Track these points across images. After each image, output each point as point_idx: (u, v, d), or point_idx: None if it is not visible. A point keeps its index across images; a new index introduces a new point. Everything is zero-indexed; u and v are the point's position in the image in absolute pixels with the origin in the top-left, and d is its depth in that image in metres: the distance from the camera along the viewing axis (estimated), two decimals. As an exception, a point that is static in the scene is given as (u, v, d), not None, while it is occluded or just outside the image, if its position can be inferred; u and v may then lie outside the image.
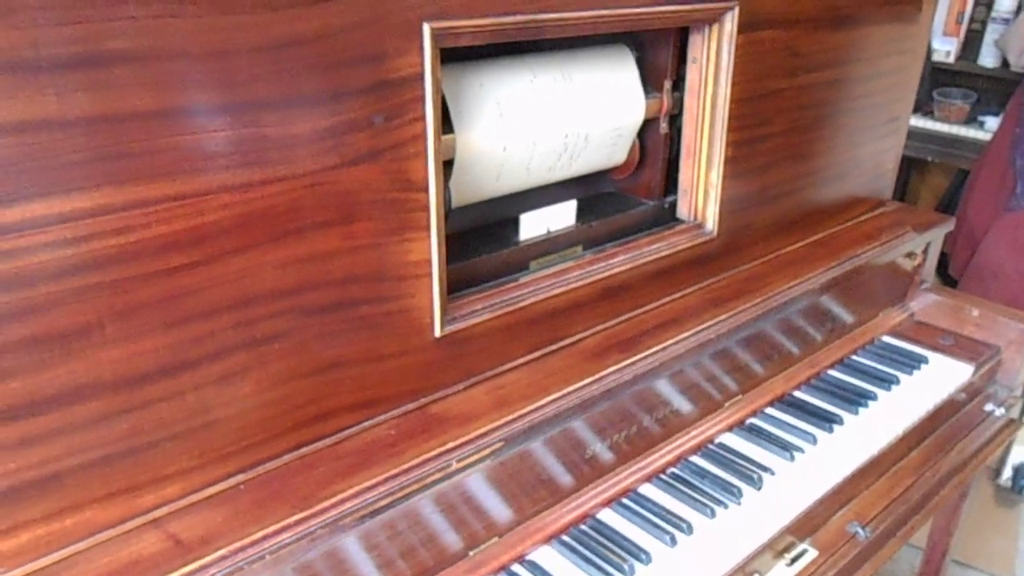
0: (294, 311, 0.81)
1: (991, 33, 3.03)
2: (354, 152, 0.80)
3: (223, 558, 0.74)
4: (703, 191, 1.26)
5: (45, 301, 0.66)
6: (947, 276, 3.02)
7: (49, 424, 0.69)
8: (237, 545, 0.75)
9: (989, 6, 3.08)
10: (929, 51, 3.07)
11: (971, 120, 3.06)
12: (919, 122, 3.09)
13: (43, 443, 0.69)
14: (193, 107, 0.69)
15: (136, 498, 0.76)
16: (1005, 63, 2.93)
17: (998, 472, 2.69)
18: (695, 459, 1.22)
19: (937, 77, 3.16)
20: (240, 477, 0.82)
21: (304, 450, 0.87)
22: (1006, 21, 2.95)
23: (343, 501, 0.81)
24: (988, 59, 3.08)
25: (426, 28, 0.82)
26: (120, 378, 0.72)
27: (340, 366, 0.87)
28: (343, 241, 0.83)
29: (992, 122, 2.94)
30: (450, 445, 0.90)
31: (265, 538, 0.76)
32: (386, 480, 0.84)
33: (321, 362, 0.85)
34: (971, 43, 3.17)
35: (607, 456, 1.13)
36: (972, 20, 3.16)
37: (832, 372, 1.47)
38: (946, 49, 3.16)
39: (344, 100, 0.78)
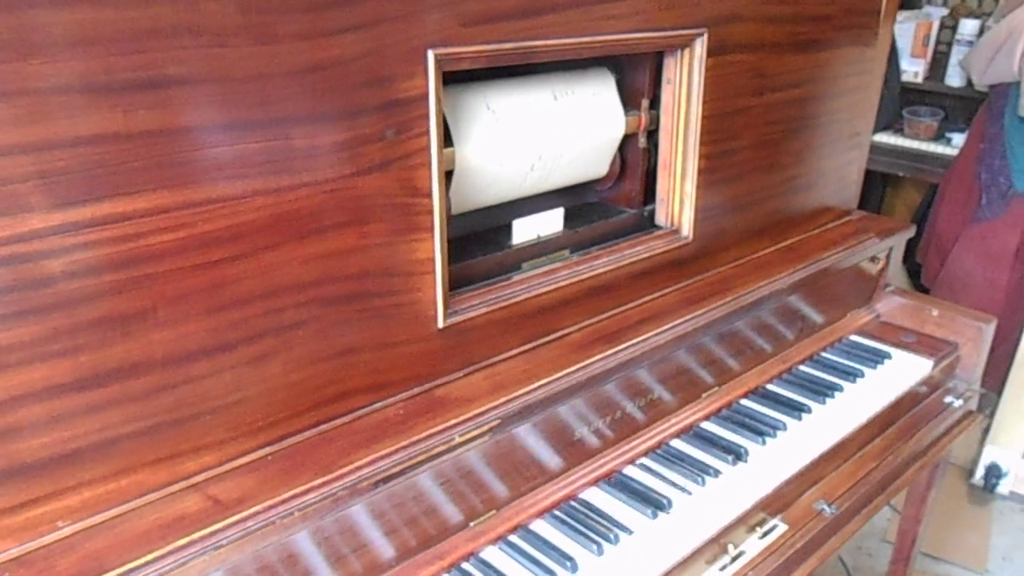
0: (315, 301, 0.93)
1: (956, 54, 3.19)
2: (368, 162, 0.92)
3: (257, 514, 0.84)
4: (679, 200, 1.38)
5: (109, 288, 0.77)
6: (920, 286, 3.16)
7: (109, 395, 0.80)
8: (268, 503, 0.86)
9: (954, 29, 3.25)
10: (899, 72, 3.23)
11: (939, 137, 3.21)
12: (890, 139, 3.24)
13: (104, 411, 0.80)
14: (234, 123, 0.80)
15: (180, 464, 0.87)
16: (970, 83, 3.08)
17: (971, 472, 2.81)
18: (675, 443, 1.33)
19: (907, 96, 3.31)
20: (268, 449, 0.93)
21: (324, 427, 0.97)
22: (969, 43, 3.11)
23: (359, 468, 0.92)
24: (954, 79, 3.24)
25: (430, 54, 0.94)
26: (168, 357, 0.83)
27: (355, 352, 0.98)
28: (358, 240, 0.94)
29: (958, 138, 3.09)
30: (452, 422, 1.01)
31: (293, 498, 0.87)
32: (397, 451, 0.95)
33: (338, 348, 0.96)
34: (938, 64, 3.33)
35: (594, 439, 1.24)
36: (938, 42, 3.32)
37: (802, 367, 1.58)
38: (914, 70, 3.32)
39: (360, 117, 0.90)
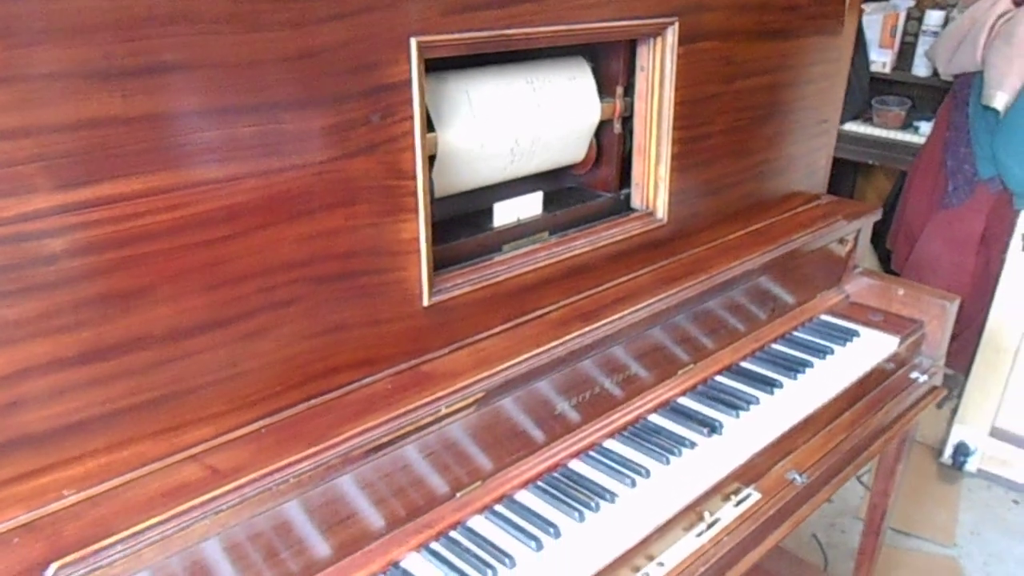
0: (306, 280, 0.97)
1: (922, 45, 3.27)
2: (355, 145, 0.96)
3: (253, 481, 0.88)
4: (653, 183, 1.43)
5: (109, 266, 0.80)
6: (891, 271, 3.24)
7: (111, 369, 0.83)
8: (265, 471, 0.90)
9: (920, 20, 3.33)
10: (868, 62, 3.31)
11: (907, 125, 3.29)
12: (860, 128, 3.32)
13: (106, 385, 0.83)
14: (229, 107, 0.84)
15: (179, 436, 0.90)
16: (936, 72, 3.16)
17: (940, 452, 2.90)
18: (652, 417, 1.38)
19: (875, 86, 3.39)
20: (263, 422, 0.97)
21: (315, 400, 1.01)
22: (935, 34, 3.19)
23: (351, 438, 0.96)
24: (921, 69, 3.33)
25: (413, 42, 0.98)
26: (167, 332, 0.86)
27: (344, 328, 1.02)
28: (346, 221, 0.98)
29: (926, 127, 3.17)
30: (439, 394, 1.05)
31: (288, 466, 0.91)
32: (387, 422, 0.99)
33: (329, 324, 1.00)
34: (905, 54, 3.41)
35: (575, 414, 1.29)
36: (905, 33, 3.40)
37: (774, 345, 1.64)
38: (882, 60, 3.40)
39: (346, 102, 0.94)
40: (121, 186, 0.79)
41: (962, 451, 2.82)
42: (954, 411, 2.90)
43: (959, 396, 2.89)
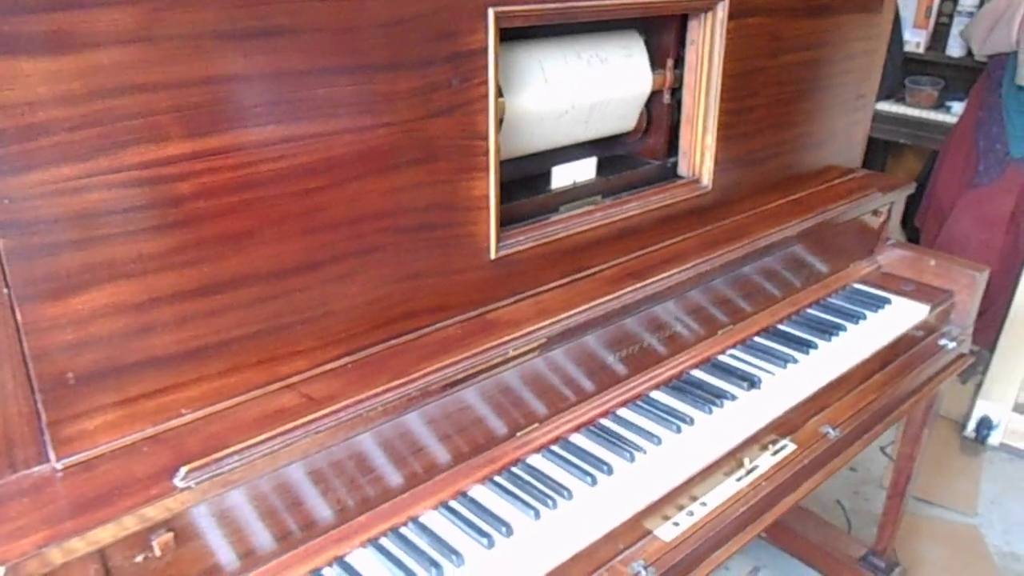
0: (390, 229, 1.06)
1: (957, 25, 3.30)
2: (437, 107, 1.05)
3: (346, 407, 0.98)
4: (700, 152, 1.51)
5: (226, 208, 0.90)
6: (919, 249, 3.29)
7: (223, 302, 0.93)
8: (354, 399, 0.99)
9: (955, 1, 3.35)
10: (902, 42, 3.34)
11: (939, 105, 3.33)
12: (892, 107, 3.36)
13: (218, 316, 0.93)
14: (331, 68, 0.93)
15: (277, 366, 1.00)
16: (970, 53, 3.19)
17: (964, 426, 2.97)
18: (695, 372, 1.47)
19: (908, 66, 3.43)
20: (348, 358, 1.07)
21: (394, 341, 1.11)
22: (970, 14, 3.22)
23: (428, 374, 1.06)
24: (955, 49, 3.36)
25: (490, 12, 1.06)
26: (270, 271, 0.96)
27: (421, 276, 1.11)
28: (427, 176, 1.07)
29: (958, 107, 3.21)
30: (506, 339, 1.14)
31: (374, 396, 1.01)
32: (461, 360, 1.09)
33: (408, 271, 1.10)
34: (939, 35, 3.44)
35: (622, 367, 1.38)
36: (940, 14, 3.43)
37: (809, 310, 1.72)
38: (916, 40, 3.43)
39: (431, 66, 1.03)
40: (241, 136, 0.88)
41: (985, 425, 2.88)
42: (978, 386, 2.96)
43: (984, 372, 2.95)
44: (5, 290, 0.77)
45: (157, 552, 0.85)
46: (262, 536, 0.96)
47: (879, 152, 3.69)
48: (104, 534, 0.79)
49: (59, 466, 0.85)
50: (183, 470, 0.85)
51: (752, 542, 2.38)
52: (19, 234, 0.77)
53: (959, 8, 3.30)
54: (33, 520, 0.79)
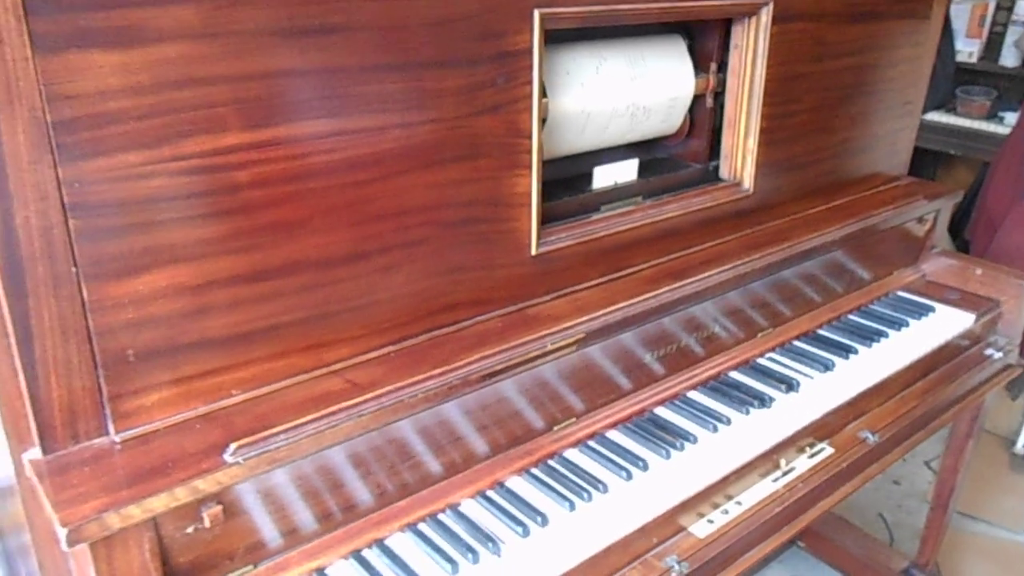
0: (434, 223, 1.09)
1: (1011, 35, 3.25)
2: (482, 105, 1.08)
3: (388, 393, 1.01)
4: (741, 156, 1.52)
5: (279, 197, 0.94)
6: (968, 262, 3.23)
7: (274, 288, 0.97)
8: (396, 385, 1.03)
9: (1010, 10, 3.30)
10: (953, 51, 3.30)
11: (992, 116, 3.28)
12: (943, 117, 3.32)
13: (269, 301, 0.97)
14: (379, 65, 0.97)
15: (322, 353, 1.04)
16: (1024, 63, 3.14)
17: (1013, 443, 2.90)
18: (733, 374, 1.48)
19: (960, 76, 3.38)
20: (391, 348, 1.10)
21: (435, 332, 1.14)
22: (1025, 24, 3.17)
23: (469, 364, 1.09)
24: (1009, 59, 3.30)
25: (536, 13, 1.09)
26: (319, 260, 1.00)
27: (463, 270, 1.15)
28: (471, 172, 1.10)
29: (1011, 117, 3.16)
30: (544, 333, 1.17)
31: (417, 383, 1.04)
32: (501, 352, 1.11)
33: (451, 265, 1.13)
34: (993, 44, 3.39)
35: (660, 366, 1.39)
36: (994, 23, 3.38)
37: (850, 316, 1.71)
38: (969, 50, 3.38)
39: (477, 65, 1.06)
40: (295, 129, 0.92)
41: (1035, 442, 2.82)
42: (1028, 403, 2.90)
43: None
44: (73, 269, 0.82)
45: (207, 523, 0.89)
46: (305, 515, 1.00)
47: (929, 163, 3.64)
48: (158, 503, 0.83)
49: (118, 439, 0.89)
50: (232, 446, 0.89)
51: (791, 552, 2.38)
52: (87, 216, 0.81)
53: (1014, 17, 3.25)
54: (93, 488, 0.83)
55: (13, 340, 0.82)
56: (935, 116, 3.31)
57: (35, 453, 0.87)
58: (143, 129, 0.82)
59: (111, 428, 0.89)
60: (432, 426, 1.10)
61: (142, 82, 0.81)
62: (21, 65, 0.74)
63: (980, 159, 3.34)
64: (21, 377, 0.83)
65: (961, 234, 3.29)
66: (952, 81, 3.30)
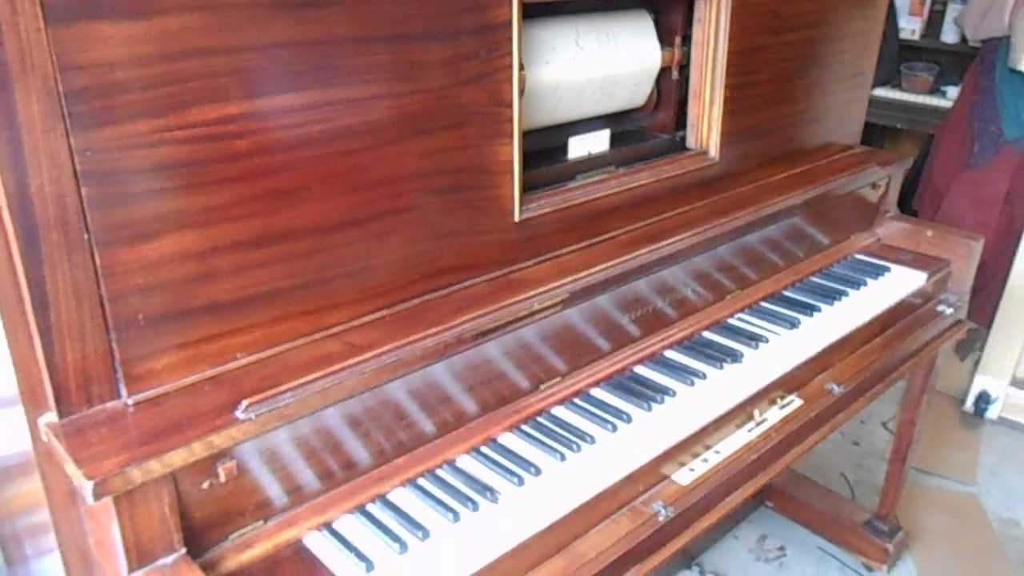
0: (424, 190, 1.13)
1: (951, 12, 3.39)
2: (466, 75, 1.13)
3: (387, 352, 1.06)
4: (707, 126, 1.58)
5: (278, 165, 0.98)
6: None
7: (275, 254, 1.01)
8: (393, 345, 1.07)
9: (949, -12, 3.45)
10: (897, 29, 3.42)
11: (935, 90, 3.41)
12: (888, 93, 3.44)
13: (270, 267, 1.01)
14: (370, 37, 1.01)
15: (321, 317, 1.08)
16: (964, 39, 3.28)
17: (963, 401, 3.04)
18: (706, 333, 1.55)
19: (904, 53, 3.51)
20: (386, 311, 1.14)
21: (426, 296, 1.18)
22: (964, 1, 3.30)
23: (462, 323, 1.13)
24: (949, 35, 3.44)
25: (514, -14, 1.14)
26: (316, 226, 1.04)
27: (451, 236, 1.19)
28: (457, 141, 1.15)
29: (953, 91, 3.30)
30: (530, 294, 1.22)
31: (412, 342, 1.08)
32: (490, 312, 1.16)
33: (439, 231, 1.17)
34: (934, 21, 3.53)
35: (636, 328, 1.45)
36: (935, 1, 3.52)
37: (812, 278, 1.80)
38: (911, 28, 3.52)
39: (461, 37, 1.11)
40: (292, 99, 0.96)
41: (984, 399, 2.96)
42: (976, 363, 3.04)
43: (981, 349, 3.03)
44: (86, 235, 0.85)
45: (222, 478, 0.92)
46: (310, 474, 1.04)
47: (876, 137, 3.78)
48: (176, 458, 0.87)
49: (130, 401, 0.92)
50: (244, 403, 0.93)
51: (760, 512, 2.47)
52: (99, 184, 0.84)
53: (953, -5, 3.39)
54: (113, 446, 0.86)
55: (29, 306, 0.84)
56: (882, 92, 3.44)
57: (51, 417, 0.89)
58: (150, 98, 0.85)
59: (123, 391, 0.92)
60: (425, 388, 1.14)
61: (149, 52, 0.84)
62: (34, 36, 0.77)
63: (925, 132, 3.48)
64: (37, 342, 0.86)
65: (909, 205, 3.43)
66: (896, 58, 3.43)
